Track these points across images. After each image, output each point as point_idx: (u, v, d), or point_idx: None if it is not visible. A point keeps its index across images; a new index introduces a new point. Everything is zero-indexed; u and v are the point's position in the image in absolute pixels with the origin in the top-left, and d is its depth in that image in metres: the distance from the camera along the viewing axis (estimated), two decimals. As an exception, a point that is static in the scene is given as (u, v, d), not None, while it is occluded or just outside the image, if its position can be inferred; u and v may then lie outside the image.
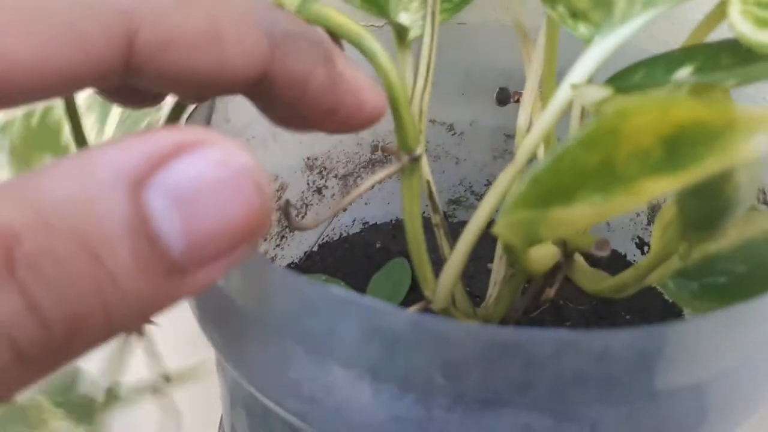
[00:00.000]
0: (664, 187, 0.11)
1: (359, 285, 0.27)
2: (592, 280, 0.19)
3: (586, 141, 0.13)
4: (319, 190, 0.28)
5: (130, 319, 0.10)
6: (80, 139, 0.20)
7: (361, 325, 0.13)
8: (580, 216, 0.11)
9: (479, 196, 0.32)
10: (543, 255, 0.18)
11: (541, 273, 0.18)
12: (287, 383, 0.14)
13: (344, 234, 0.30)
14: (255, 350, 0.15)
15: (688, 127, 0.12)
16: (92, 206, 0.09)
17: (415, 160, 0.16)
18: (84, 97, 0.26)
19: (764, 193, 0.22)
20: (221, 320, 0.16)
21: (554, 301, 0.26)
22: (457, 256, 0.18)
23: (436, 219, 0.21)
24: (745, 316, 0.14)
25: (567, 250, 0.19)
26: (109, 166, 0.10)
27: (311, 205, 0.28)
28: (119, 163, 0.10)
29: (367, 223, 0.30)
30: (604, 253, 0.18)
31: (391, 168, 0.16)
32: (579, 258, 0.20)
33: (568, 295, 0.26)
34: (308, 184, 0.27)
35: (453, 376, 0.13)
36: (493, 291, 0.22)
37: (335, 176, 0.28)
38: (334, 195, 0.29)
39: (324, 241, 0.29)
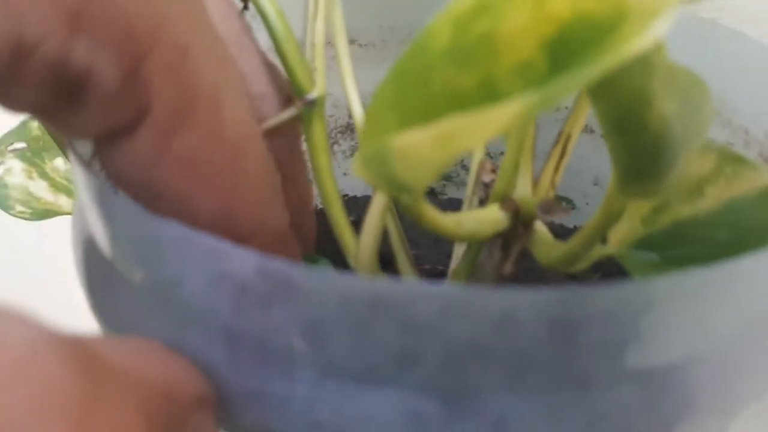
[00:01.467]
0: (542, 98, 0.08)
1: (329, 261, 0.24)
2: (545, 250, 0.16)
3: (455, 55, 0.10)
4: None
5: None
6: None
7: (207, 270, 0.11)
8: (430, 140, 0.09)
9: (463, 166, 0.29)
10: (478, 219, 0.15)
11: (472, 239, 0.15)
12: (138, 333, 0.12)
13: (319, 206, 0.27)
14: (114, 305, 0.13)
15: (572, 25, 0.09)
16: None
17: (311, 104, 0.14)
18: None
19: (747, 132, 0.18)
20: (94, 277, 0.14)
21: (534, 286, 0.22)
22: (376, 206, 0.15)
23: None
24: (719, 282, 0.11)
25: (520, 215, 0.16)
26: None
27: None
28: None
29: (346, 195, 0.28)
30: (554, 217, 0.15)
31: (283, 114, 0.14)
32: (542, 228, 0.17)
33: (554, 279, 0.23)
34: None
35: (316, 340, 0.11)
36: (453, 265, 0.19)
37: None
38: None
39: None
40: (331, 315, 0.10)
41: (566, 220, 0.27)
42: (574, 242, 0.14)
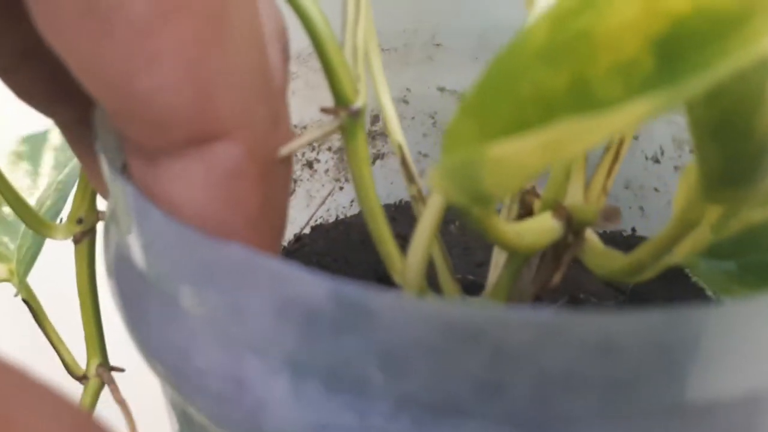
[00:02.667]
0: (656, 105, 0.07)
1: (352, 272, 0.23)
2: (602, 260, 0.15)
3: (547, 55, 0.09)
4: (309, 164, 0.25)
5: None
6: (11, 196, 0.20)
7: (273, 296, 0.10)
8: (532, 149, 0.08)
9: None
10: (535, 229, 0.14)
11: (532, 251, 0.14)
12: (193, 374, 0.11)
13: (340, 216, 0.26)
14: (159, 329, 0.12)
15: (689, 21, 0.08)
16: None
17: (356, 115, 0.13)
18: (11, 151, 0.27)
19: None
20: (129, 293, 0.13)
21: (573, 294, 0.22)
22: (428, 220, 0.14)
23: (412, 191, 0.17)
24: None
25: (573, 224, 0.16)
26: None
27: (301, 180, 0.25)
28: None
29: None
30: (613, 225, 0.14)
31: (326, 128, 0.13)
32: (592, 236, 0.16)
33: (590, 287, 0.22)
34: (296, 156, 0.24)
35: (394, 369, 0.10)
36: (493, 277, 0.19)
37: (329, 149, 0.25)
38: (328, 170, 0.26)
39: (317, 222, 0.26)
40: (410, 343, 0.09)
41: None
42: (642, 252, 0.13)
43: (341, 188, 0.26)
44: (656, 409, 0.10)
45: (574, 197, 0.16)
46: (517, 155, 0.08)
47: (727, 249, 0.14)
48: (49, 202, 0.26)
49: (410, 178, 0.17)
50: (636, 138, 0.27)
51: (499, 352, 0.09)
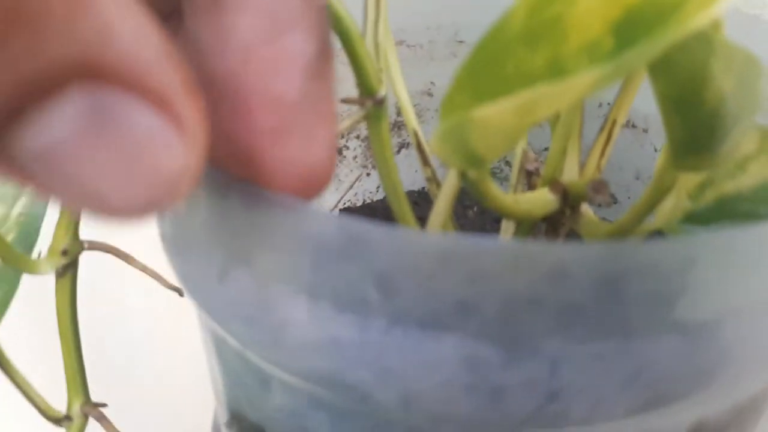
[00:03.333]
0: (606, 72, 0.09)
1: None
2: (593, 228, 0.17)
3: (526, 37, 0.11)
4: (339, 151, 0.27)
5: None
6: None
7: (292, 232, 0.12)
8: (507, 111, 0.10)
9: (506, 162, 0.30)
10: (532, 200, 0.16)
11: (528, 218, 0.16)
12: (226, 302, 0.13)
13: (367, 200, 0.28)
14: (199, 268, 0.14)
15: (639, 7, 0.10)
16: None
17: (380, 104, 0.15)
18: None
19: None
20: (177, 241, 0.15)
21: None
22: (443, 200, 0.16)
23: (427, 173, 0.19)
24: (751, 242, 0.11)
25: (568, 198, 0.17)
26: None
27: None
28: None
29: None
30: (602, 196, 0.16)
31: (354, 116, 0.15)
32: (588, 210, 0.18)
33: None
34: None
35: (387, 291, 0.11)
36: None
37: (357, 137, 0.27)
38: (356, 157, 0.28)
39: (345, 205, 0.28)
40: (401, 268, 0.11)
41: (609, 214, 0.28)
42: (625, 217, 0.15)
43: (368, 174, 0.28)
44: (605, 331, 0.11)
45: (570, 174, 0.17)
46: (498, 116, 0.10)
47: (703, 216, 0.15)
48: (12, 236, 0.24)
49: (425, 161, 0.19)
50: (646, 131, 0.28)
51: (472, 276, 0.11)
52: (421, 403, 0.12)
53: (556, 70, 0.11)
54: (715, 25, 0.10)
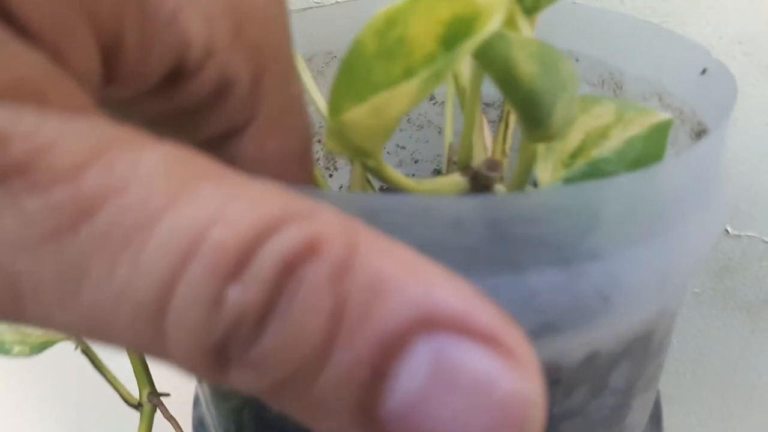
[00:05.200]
0: (437, 70, 0.13)
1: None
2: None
3: (385, 53, 0.14)
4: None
5: None
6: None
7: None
8: (367, 113, 0.13)
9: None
10: (442, 182, 0.20)
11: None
12: None
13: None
14: None
15: (452, 24, 0.14)
16: None
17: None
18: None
19: (681, 112, 0.22)
20: None
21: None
22: (356, 174, 0.19)
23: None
24: (604, 192, 0.15)
25: (480, 179, 0.21)
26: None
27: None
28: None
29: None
30: (495, 174, 0.19)
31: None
32: (501, 190, 0.21)
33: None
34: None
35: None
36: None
37: (318, 141, 0.31)
38: (318, 159, 0.31)
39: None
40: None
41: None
42: (509, 185, 0.18)
43: (330, 176, 0.32)
44: (498, 267, 0.15)
45: (478, 159, 0.21)
46: (359, 118, 0.13)
47: (575, 179, 0.19)
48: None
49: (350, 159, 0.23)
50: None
51: (390, 226, 0.14)
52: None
53: (410, 75, 0.14)
54: (512, 27, 0.14)
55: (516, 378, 0.09)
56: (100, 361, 0.35)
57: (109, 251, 0.08)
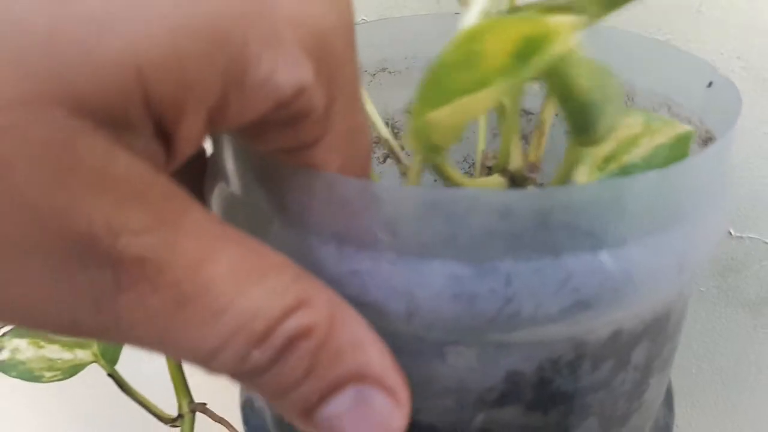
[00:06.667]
0: (510, 80, 0.15)
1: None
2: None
3: (464, 64, 0.17)
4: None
5: None
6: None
7: (325, 193, 0.17)
8: (448, 114, 0.16)
9: (472, 163, 0.36)
10: (485, 182, 0.22)
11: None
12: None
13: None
14: (252, 220, 0.19)
15: (523, 43, 0.16)
16: None
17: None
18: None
19: (689, 121, 0.25)
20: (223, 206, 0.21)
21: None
22: (413, 171, 0.22)
23: (401, 168, 0.25)
24: (632, 188, 0.17)
25: (516, 179, 0.23)
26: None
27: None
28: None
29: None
30: (534, 175, 0.22)
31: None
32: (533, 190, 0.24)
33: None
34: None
35: (394, 232, 0.17)
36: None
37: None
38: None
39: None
40: (402, 213, 0.17)
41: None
42: (554, 182, 0.21)
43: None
44: (541, 251, 0.17)
45: (515, 164, 0.24)
46: (442, 118, 0.16)
47: (608, 181, 0.21)
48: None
49: (398, 159, 0.25)
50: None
51: (448, 215, 0.17)
52: (420, 312, 0.18)
53: (485, 84, 0.17)
54: (572, 48, 0.17)
55: (402, 416, 0.16)
56: (127, 384, 0.36)
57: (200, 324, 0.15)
